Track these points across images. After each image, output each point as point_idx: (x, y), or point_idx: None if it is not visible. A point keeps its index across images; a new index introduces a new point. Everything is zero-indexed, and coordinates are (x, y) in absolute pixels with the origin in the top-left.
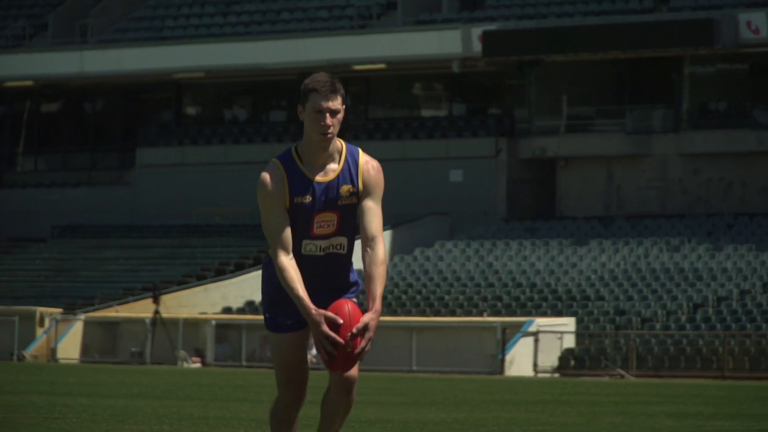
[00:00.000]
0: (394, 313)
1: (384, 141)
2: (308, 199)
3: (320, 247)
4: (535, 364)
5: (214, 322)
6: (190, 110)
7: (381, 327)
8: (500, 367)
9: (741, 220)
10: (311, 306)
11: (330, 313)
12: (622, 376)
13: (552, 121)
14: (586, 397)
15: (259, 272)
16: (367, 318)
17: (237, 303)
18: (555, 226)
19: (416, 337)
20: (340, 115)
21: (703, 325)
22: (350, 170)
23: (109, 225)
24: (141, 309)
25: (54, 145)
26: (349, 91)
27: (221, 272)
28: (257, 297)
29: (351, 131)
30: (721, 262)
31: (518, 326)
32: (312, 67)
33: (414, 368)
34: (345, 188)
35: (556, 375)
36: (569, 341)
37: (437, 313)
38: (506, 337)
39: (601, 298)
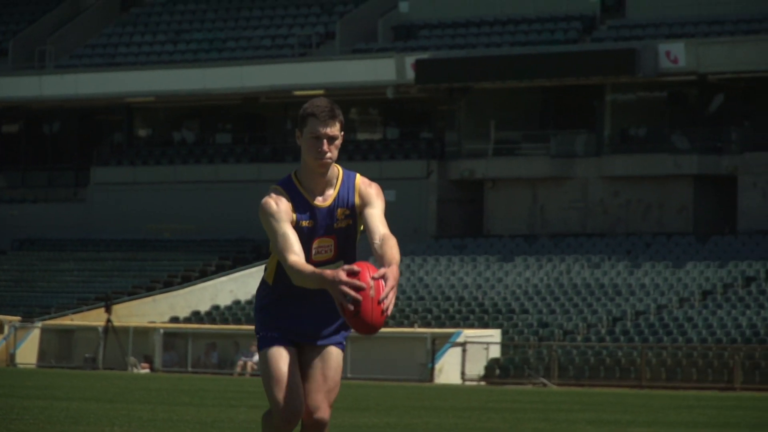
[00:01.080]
0: None
1: None
2: (310, 223)
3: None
4: (462, 373)
5: (162, 331)
6: (141, 132)
7: None
8: (430, 375)
9: (658, 239)
10: (325, 271)
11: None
12: (545, 385)
13: (480, 144)
14: (510, 404)
15: (205, 284)
16: (383, 270)
17: (183, 313)
18: (482, 244)
19: (351, 346)
20: (338, 141)
21: (621, 338)
22: (347, 193)
23: (65, 239)
24: (94, 318)
25: (14, 164)
26: (289, 116)
27: (169, 284)
28: (203, 307)
29: (290, 153)
30: (639, 279)
31: (447, 337)
32: (255, 93)
33: (349, 375)
34: (340, 211)
35: (483, 383)
36: (495, 351)
37: None
38: (436, 347)
39: (526, 312)
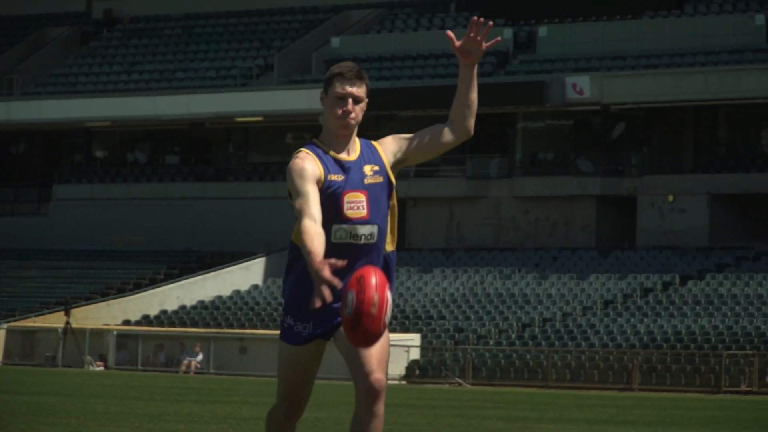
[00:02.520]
0: (267, 327)
1: (260, 182)
2: (340, 177)
3: (350, 233)
4: (385, 373)
5: (115, 332)
6: (99, 153)
7: (256, 339)
8: None
9: (564, 254)
10: (317, 255)
11: (338, 262)
12: (460, 384)
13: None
14: (429, 402)
15: (154, 290)
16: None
17: (135, 317)
18: (404, 256)
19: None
20: (363, 105)
21: (530, 342)
22: (370, 151)
23: (29, 249)
24: (54, 320)
25: None
26: (232, 139)
27: (122, 290)
28: (152, 311)
29: (232, 174)
30: (546, 289)
31: None
32: (201, 119)
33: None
34: (368, 167)
35: (404, 382)
36: (415, 354)
37: None
38: None
39: (443, 318)
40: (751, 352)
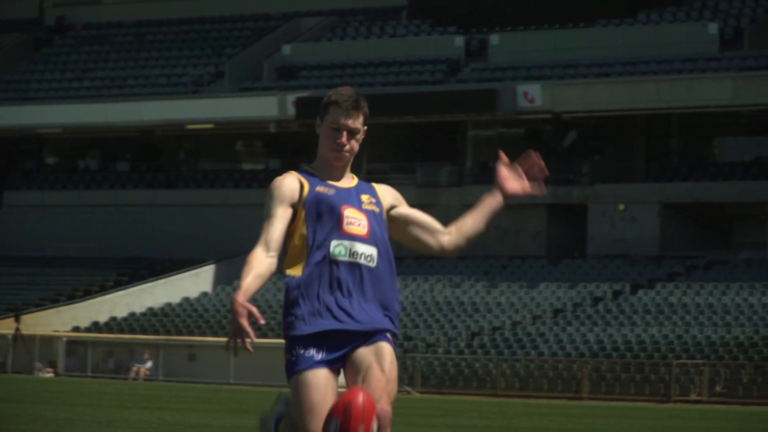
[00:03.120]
0: (215, 334)
1: (210, 189)
2: (330, 191)
3: (350, 250)
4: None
5: (65, 339)
6: (50, 160)
7: (205, 346)
8: None
9: (514, 262)
10: (242, 293)
11: (255, 310)
12: (409, 392)
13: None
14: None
15: (104, 297)
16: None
17: (85, 323)
18: None
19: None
20: (360, 136)
21: (479, 351)
22: (368, 186)
23: None
24: (4, 326)
25: None
26: (182, 146)
27: (72, 297)
28: (102, 318)
29: (183, 181)
30: (495, 297)
31: None
32: (152, 126)
33: (232, 381)
34: (365, 196)
35: None
36: None
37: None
38: None
39: None
40: (701, 361)
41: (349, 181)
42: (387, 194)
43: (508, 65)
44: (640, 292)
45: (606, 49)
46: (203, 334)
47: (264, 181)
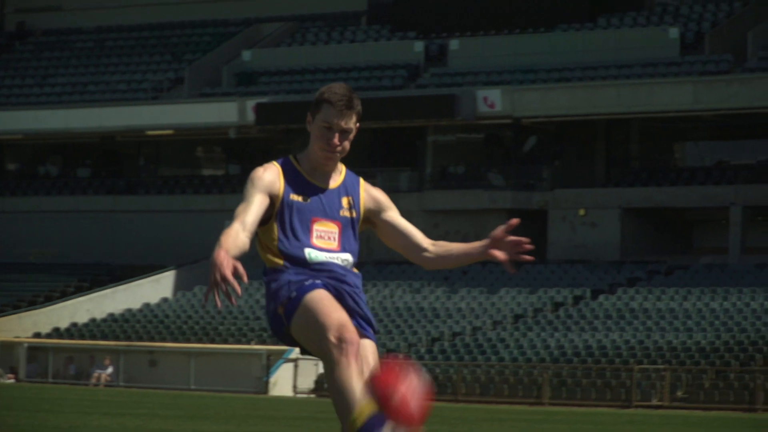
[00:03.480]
0: (176, 340)
1: (170, 195)
2: (306, 200)
3: (325, 256)
4: (294, 386)
5: (26, 345)
6: (10, 166)
7: (166, 351)
8: (265, 388)
9: (474, 267)
10: (223, 250)
11: (239, 265)
12: None
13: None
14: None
15: (65, 303)
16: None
17: (45, 329)
18: None
19: (194, 360)
20: (352, 135)
21: (439, 356)
22: (353, 185)
23: None
24: None
25: None
26: (142, 152)
27: (33, 303)
28: (63, 324)
29: (143, 187)
30: (456, 303)
31: (281, 353)
32: (112, 132)
33: (192, 387)
34: (345, 199)
35: (313, 396)
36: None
37: (213, 341)
38: (270, 362)
39: None
40: (662, 366)
41: (336, 178)
42: (371, 200)
43: (468, 70)
44: (601, 297)
45: (566, 54)
46: (164, 339)
47: (224, 186)
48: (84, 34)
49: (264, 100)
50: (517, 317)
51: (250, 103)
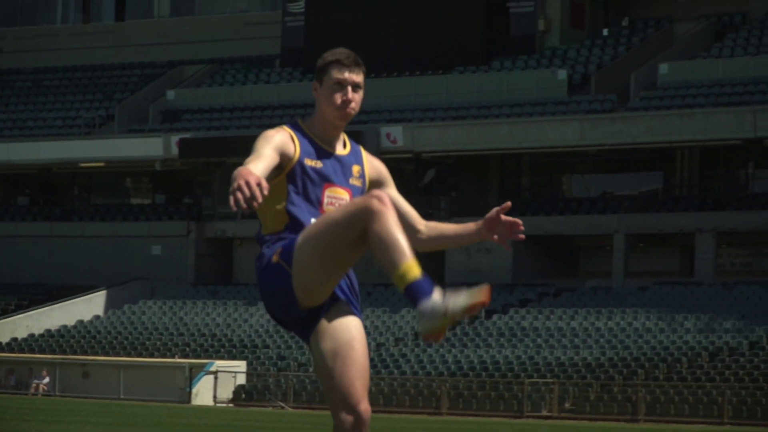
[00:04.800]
0: (107, 354)
1: (102, 222)
2: (319, 164)
3: None
4: (214, 396)
5: None
6: None
7: (97, 364)
8: (188, 397)
9: (378, 289)
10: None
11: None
12: (283, 408)
13: (231, 209)
14: (254, 423)
15: (6, 320)
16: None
17: None
18: (231, 290)
19: (123, 372)
20: (361, 95)
21: None
22: (359, 153)
23: None
24: None
25: None
26: (76, 183)
27: None
28: (3, 339)
29: (77, 214)
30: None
31: (202, 366)
32: (49, 164)
33: (122, 397)
34: (355, 168)
35: (231, 405)
36: (241, 379)
37: (140, 355)
38: (193, 374)
39: (267, 347)
40: (551, 380)
41: (342, 146)
42: (373, 169)
43: (373, 109)
44: (495, 317)
45: (462, 94)
46: (96, 353)
47: (151, 214)
48: (23, 74)
49: (187, 135)
50: (417, 335)
51: (174, 139)
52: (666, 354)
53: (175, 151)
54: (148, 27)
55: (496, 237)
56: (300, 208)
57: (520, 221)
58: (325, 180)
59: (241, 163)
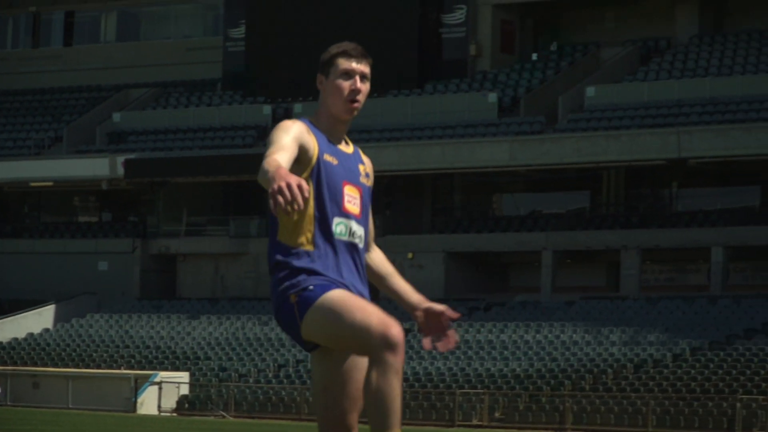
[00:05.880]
0: (56, 365)
1: (51, 239)
2: (336, 161)
3: (349, 230)
4: (159, 406)
5: None
6: None
7: (47, 375)
8: (133, 407)
9: None
10: (283, 168)
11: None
12: (224, 417)
13: (175, 227)
14: (196, 431)
15: None
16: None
17: None
18: (175, 305)
19: (72, 383)
20: (368, 86)
21: (285, 380)
22: (358, 154)
23: None
24: None
25: None
26: (26, 201)
27: None
28: None
29: (27, 231)
30: None
31: (147, 377)
32: (1, 183)
33: (71, 406)
34: (361, 167)
35: (175, 414)
36: (185, 389)
37: (88, 366)
38: (138, 385)
39: (209, 358)
40: (482, 391)
41: (346, 144)
42: (370, 170)
43: None
44: None
45: (396, 116)
46: (45, 365)
47: (97, 231)
48: None
49: (132, 156)
50: None
51: (120, 159)
52: (592, 365)
53: (120, 171)
54: (95, 52)
55: (422, 323)
56: (326, 211)
57: (455, 337)
58: (343, 177)
59: (186, 183)
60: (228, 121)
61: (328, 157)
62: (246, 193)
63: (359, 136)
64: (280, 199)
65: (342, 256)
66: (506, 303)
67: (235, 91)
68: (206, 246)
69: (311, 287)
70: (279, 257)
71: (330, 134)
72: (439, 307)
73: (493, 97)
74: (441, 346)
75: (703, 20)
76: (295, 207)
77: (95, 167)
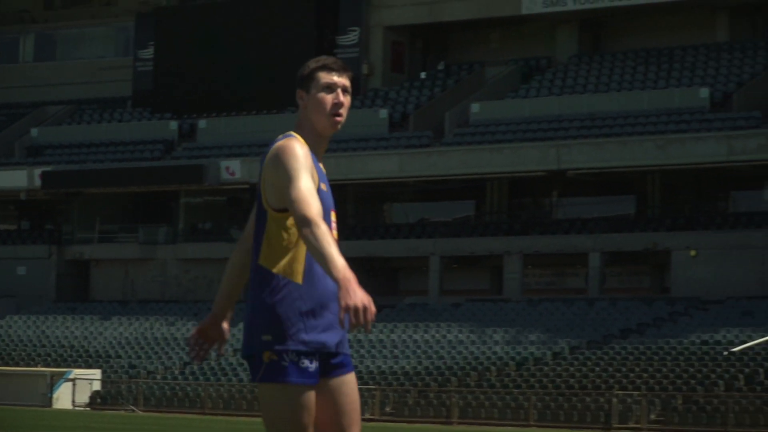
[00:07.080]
0: None
1: None
2: (326, 188)
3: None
4: (73, 401)
5: None
6: None
7: None
8: (49, 402)
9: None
10: (346, 266)
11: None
12: (134, 411)
13: (88, 234)
14: (108, 425)
15: None
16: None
17: None
18: (89, 307)
19: None
20: (349, 100)
21: (190, 377)
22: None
23: None
24: None
25: None
26: None
27: None
28: None
29: None
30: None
31: (62, 374)
32: None
33: None
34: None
35: (88, 409)
36: (97, 386)
37: (7, 364)
38: (53, 381)
39: (120, 356)
40: (373, 387)
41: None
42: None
43: (214, 145)
44: None
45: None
46: None
47: (16, 239)
48: None
49: (49, 168)
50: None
51: (37, 171)
52: (477, 363)
53: (38, 182)
54: (14, 71)
55: (208, 329)
56: None
57: (222, 351)
58: (330, 205)
59: (99, 194)
60: (138, 135)
61: (323, 186)
62: (154, 203)
63: (259, 150)
64: (353, 320)
65: (327, 280)
66: (396, 305)
67: (144, 108)
68: (117, 252)
69: (284, 363)
70: (269, 284)
71: (315, 152)
72: (225, 328)
73: (384, 113)
74: (202, 354)
75: (582, 41)
76: (363, 330)
77: (14, 179)
